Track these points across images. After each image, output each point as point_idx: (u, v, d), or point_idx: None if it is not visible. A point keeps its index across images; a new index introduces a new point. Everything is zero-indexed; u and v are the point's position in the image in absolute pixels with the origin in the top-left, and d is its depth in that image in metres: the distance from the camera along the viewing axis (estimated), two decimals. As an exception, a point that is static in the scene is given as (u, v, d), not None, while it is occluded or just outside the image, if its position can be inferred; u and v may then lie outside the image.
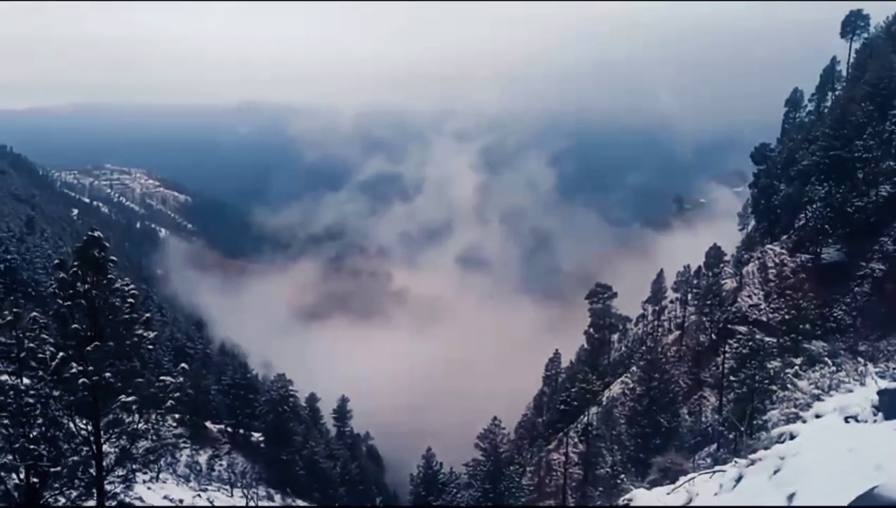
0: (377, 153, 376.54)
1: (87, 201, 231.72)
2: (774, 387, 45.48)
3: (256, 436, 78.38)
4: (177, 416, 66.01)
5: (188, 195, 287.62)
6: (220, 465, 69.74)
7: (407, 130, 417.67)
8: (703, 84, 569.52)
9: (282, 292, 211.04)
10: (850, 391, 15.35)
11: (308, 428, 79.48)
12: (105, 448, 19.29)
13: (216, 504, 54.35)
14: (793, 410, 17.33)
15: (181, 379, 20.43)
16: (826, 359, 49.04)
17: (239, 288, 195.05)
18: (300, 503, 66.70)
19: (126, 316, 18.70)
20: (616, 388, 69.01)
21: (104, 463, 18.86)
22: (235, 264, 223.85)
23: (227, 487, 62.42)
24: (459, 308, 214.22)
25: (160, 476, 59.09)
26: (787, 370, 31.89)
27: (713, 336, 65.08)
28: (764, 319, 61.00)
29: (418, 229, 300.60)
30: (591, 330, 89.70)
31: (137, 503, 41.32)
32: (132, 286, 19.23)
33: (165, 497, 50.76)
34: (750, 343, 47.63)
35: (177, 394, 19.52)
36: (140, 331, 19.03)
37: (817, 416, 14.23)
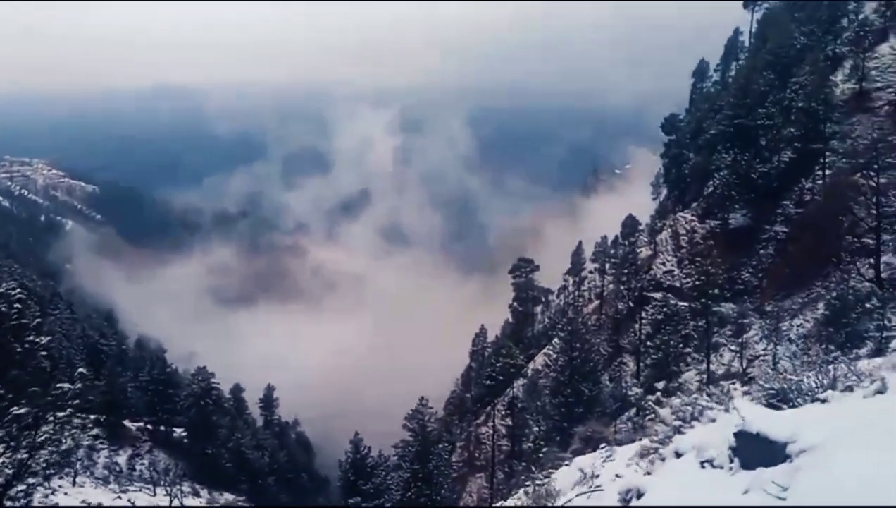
0: (294, 130, 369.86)
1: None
2: (687, 349, 47.39)
3: (179, 432, 76.14)
4: (91, 417, 63.40)
5: (96, 185, 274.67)
6: (142, 464, 67.51)
7: (326, 105, 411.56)
8: (621, 55, 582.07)
9: (199, 279, 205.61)
10: (713, 420, 14.45)
11: (233, 420, 77.74)
12: (2, 461, 18.07)
13: (137, 504, 52.55)
14: (652, 446, 16.94)
15: (79, 385, 19.15)
16: (736, 320, 51.30)
17: (153, 278, 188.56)
18: (227, 496, 65.32)
19: (14, 322, 17.44)
20: (540, 360, 70.17)
21: (2, 479, 17.65)
22: (149, 253, 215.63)
23: (150, 486, 60.39)
24: (384, 285, 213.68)
25: (77, 479, 56.76)
26: (649, 397, 32.84)
27: (630, 304, 66.89)
28: (678, 285, 62.98)
29: (337, 203, 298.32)
30: (515, 303, 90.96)
31: (52, 511, 39.56)
32: (18, 290, 17.94)
33: (83, 501, 48.74)
34: (664, 309, 49.21)
35: (76, 401, 18.37)
36: (31, 337, 17.81)
37: (677, 454, 13.59)
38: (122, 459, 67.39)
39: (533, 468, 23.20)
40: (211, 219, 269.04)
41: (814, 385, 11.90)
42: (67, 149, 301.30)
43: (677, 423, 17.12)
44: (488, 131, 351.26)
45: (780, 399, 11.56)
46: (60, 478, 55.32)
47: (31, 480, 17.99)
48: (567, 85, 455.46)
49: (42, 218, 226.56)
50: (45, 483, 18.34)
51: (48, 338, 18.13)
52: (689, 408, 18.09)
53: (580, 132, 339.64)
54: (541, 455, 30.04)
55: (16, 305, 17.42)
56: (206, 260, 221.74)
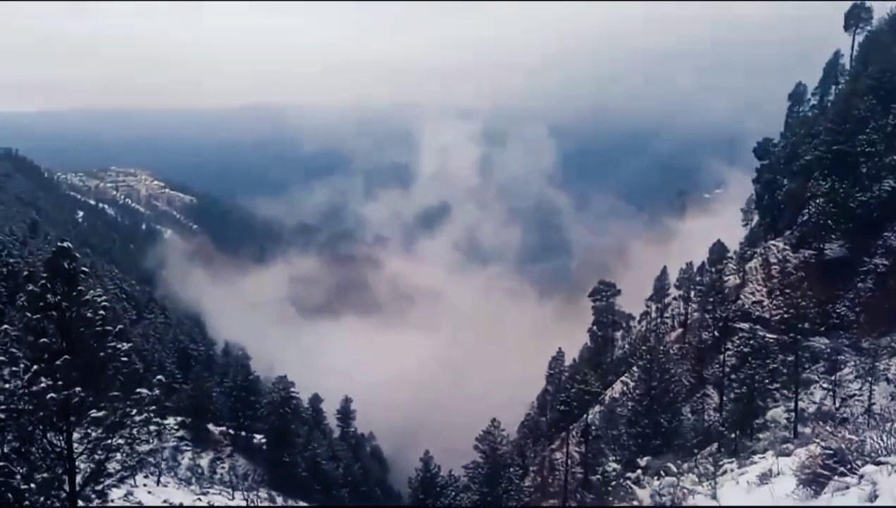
0: (378, 145, 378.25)
1: (92, 203, 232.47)
2: (775, 385, 45.09)
3: (258, 438, 78.13)
4: (177, 420, 65.88)
5: (193, 196, 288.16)
6: (222, 468, 69.53)
7: (410, 123, 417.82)
8: (712, 79, 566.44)
9: (283, 287, 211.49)
10: None
11: (310, 429, 79.25)
12: (82, 462, 18.92)
13: (217, 506, 54.15)
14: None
15: (157, 391, 19.93)
16: (829, 356, 48.53)
17: (241, 286, 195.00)
18: (302, 504, 66.44)
19: (98, 328, 18.29)
20: (618, 387, 68.47)
21: (77, 479, 18.48)
22: (239, 261, 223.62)
23: (229, 490, 62.18)
24: (462, 301, 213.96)
25: (161, 479, 59.08)
26: (629, 475, 30.95)
27: (716, 334, 64.41)
28: (766, 316, 60.35)
29: (418, 218, 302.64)
30: (595, 328, 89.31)
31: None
32: (104, 298, 18.84)
33: (166, 501, 50.60)
34: (751, 342, 47.11)
35: (153, 406, 19.07)
36: (113, 343, 18.63)
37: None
38: (204, 462, 69.56)
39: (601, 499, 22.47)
40: (296, 230, 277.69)
41: (879, 446, 10.87)
42: (168, 163, 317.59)
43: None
44: (573, 149, 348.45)
45: (837, 461, 10.64)
46: (146, 477, 57.89)
47: (107, 481, 18.68)
48: (660, 106, 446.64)
49: (143, 226, 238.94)
50: (120, 485, 18.89)
51: (130, 344, 18.88)
52: (671, 490, 16.84)
53: (670, 153, 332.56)
54: (611, 487, 29.15)
55: (101, 311, 18.27)
56: (290, 270, 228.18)
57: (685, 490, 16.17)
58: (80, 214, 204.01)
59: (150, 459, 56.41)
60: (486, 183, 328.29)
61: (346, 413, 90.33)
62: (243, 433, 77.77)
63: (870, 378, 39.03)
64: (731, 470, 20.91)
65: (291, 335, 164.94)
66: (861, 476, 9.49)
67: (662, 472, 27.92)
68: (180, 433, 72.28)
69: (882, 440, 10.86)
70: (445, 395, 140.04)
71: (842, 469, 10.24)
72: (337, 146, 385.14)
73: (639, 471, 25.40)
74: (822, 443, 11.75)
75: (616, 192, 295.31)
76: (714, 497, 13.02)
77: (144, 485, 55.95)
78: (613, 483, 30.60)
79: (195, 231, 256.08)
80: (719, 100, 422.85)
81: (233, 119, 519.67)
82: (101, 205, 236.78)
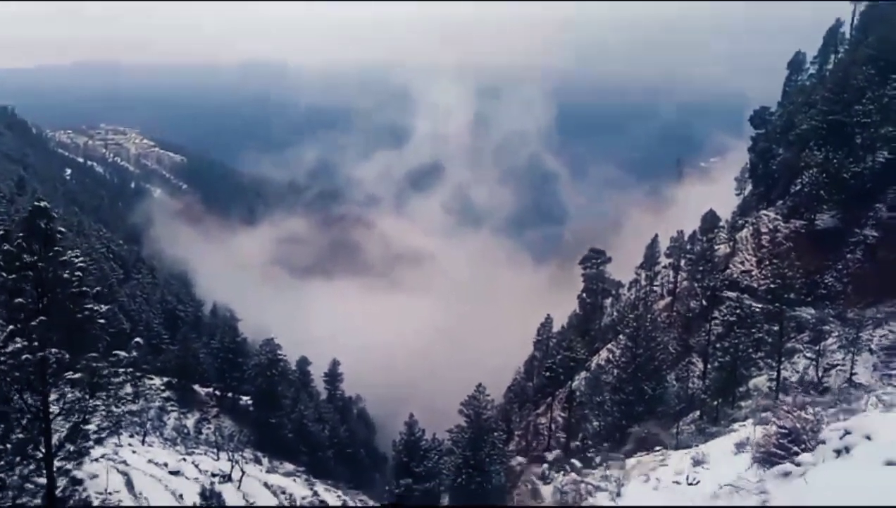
0: (375, 105, 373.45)
1: (80, 161, 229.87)
2: (759, 354, 45.34)
3: (245, 400, 78.33)
4: (164, 380, 65.78)
5: (184, 155, 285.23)
6: (208, 428, 69.67)
7: (408, 83, 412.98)
8: (715, 45, 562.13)
9: (275, 249, 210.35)
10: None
11: (297, 391, 79.40)
12: (59, 423, 18.74)
13: (201, 467, 54.41)
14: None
15: (135, 353, 19.72)
16: (815, 326, 48.74)
17: (232, 247, 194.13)
18: (287, 465, 66.86)
19: (75, 289, 17.96)
20: (604, 354, 68.82)
21: (54, 440, 18.31)
22: (230, 222, 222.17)
23: (215, 450, 62.41)
24: (455, 264, 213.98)
25: (146, 439, 59.16)
26: (536, 471, 30.57)
27: (704, 303, 64.56)
28: (755, 285, 60.47)
29: (414, 179, 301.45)
30: (584, 295, 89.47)
31: (121, 466, 41.33)
32: (81, 258, 18.46)
33: (150, 462, 50.69)
34: (738, 311, 47.26)
35: (129, 369, 18.84)
36: (90, 305, 18.31)
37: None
38: (190, 422, 69.75)
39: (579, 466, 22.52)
40: (287, 189, 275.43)
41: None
42: (160, 120, 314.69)
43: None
44: (570, 114, 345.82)
45: (791, 440, 10.50)
46: (131, 436, 57.97)
47: (83, 442, 18.52)
48: (661, 72, 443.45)
49: (132, 185, 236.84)
50: (97, 446, 18.74)
51: (107, 307, 18.53)
52: (576, 487, 16.64)
53: (670, 120, 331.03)
54: (589, 453, 29.28)
55: (77, 272, 17.91)
56: (280, 230, 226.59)
57: (590, 488, 15.94)
58: (69, 171, 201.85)
59: (135, 419, 56.86)
60: (482, 145, 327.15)
61: (333, 376, 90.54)
62: (230, 395, 77.94)
63: (852, 349, 39.22)
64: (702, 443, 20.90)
65: (281, 296, 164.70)
66: (798, 464, 9.35)
67: (567, 468, 27.83)
68: (166, 394, 72.49)
69: (838, 418, 10.75)
70: (435, 359, 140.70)
71: (795, 448, 10.12)
72: (333, 106, 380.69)
73: (545, 465, 25.43)
74: (778, 422, 11.64)
75: (613, 158, 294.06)
76: (617, 495, 12.76)
77: (129, 444, 55.92)
78: (592, 448, 30.78)
79: (185, 191, 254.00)
80: (721, 67, 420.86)
81: (230, 75, 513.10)
82: (89, 163, 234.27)
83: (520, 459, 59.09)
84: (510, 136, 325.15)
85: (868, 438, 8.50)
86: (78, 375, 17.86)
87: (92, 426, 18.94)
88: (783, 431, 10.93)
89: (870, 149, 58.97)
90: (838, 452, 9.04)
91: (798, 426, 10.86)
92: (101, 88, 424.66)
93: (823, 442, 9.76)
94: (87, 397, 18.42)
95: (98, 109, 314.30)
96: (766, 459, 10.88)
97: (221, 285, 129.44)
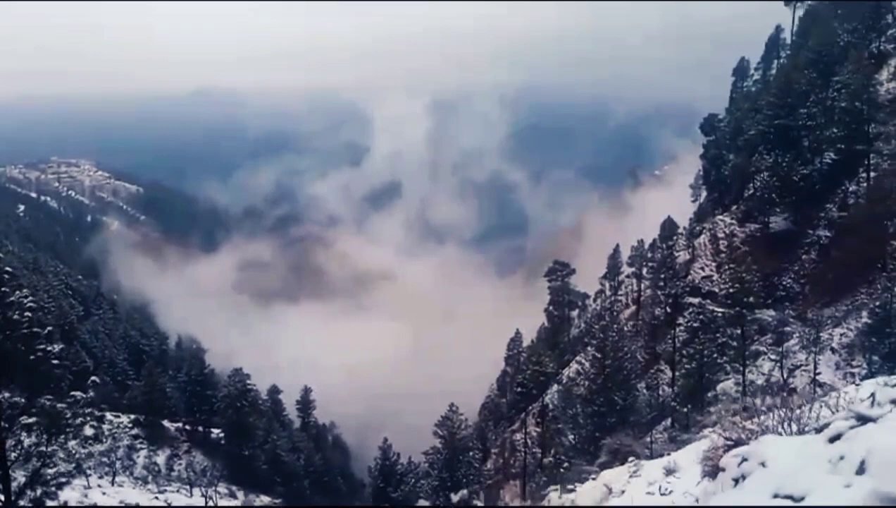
0: (332, 129, 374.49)
1: (34, 196, 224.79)
2: (725, 359, 45.99)
3: (216, 433, 76.91)
4: (132, 417, 64.26)
5: (140, 186, 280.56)
6: (180, 464, 68.32)
7: (362, 104, 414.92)
8: (663, 54, 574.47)
9: (237, 276, 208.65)
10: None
11: (269, 422, 78.20)
12: (18, 469, 18.15)
13: (174, 505, 53.17)
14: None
15: (92, 394, 19.24)
16: (776, 328, 49.65)
17: (194, 276, 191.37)
18: (263, 498, 65.74)
19: (25, 330, 17.48)
20: (574, 366, 69.15)
21: (14, 486, 17.72)
22: (190, 251, 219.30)
23: (188, 487, 61.13)
24: (420, 283, 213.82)
25: (116, 479, 57.70)
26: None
27: (667, 310, 65.25)
28: (716, 290, 61.31)
29: (372, 199, 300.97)
30: (551, 308, 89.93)
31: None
32: (31, 298, 17.99)
33: (122, 502, 49.44)
34: (700, 316, 47.94)
35: (87, 410, 18.36)
36: (43, 345, 17.84)
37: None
38: (160, 459, 68.35)
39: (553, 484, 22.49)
40: (246, 215, 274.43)
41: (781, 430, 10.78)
42: (113, 151, 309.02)
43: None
44: (526, 127, 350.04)
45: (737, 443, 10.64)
46: (101, 477, 56.51)
47: (43, 488, 17.96)
48: (608, 83, 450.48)
49: (88, 218, 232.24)
50: (58, 492, 18.18)
51: (60, 347, 18.08)
52: None
53: (620, 130, 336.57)
54: (563, 469, 29.30)
55: (26, 313, 17.46)
56: (242, 256, 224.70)
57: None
58: (22, 207, 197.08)
59: (104, 459, 55.37)
60: (440, 161, 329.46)
61: (305, 404, 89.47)
62: (200, 429, 76.52)
63: (814, 349, 39.96)
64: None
65: (245, 324, 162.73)
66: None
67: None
68: (134, 431, 70.88)
69: (782, 428, 10.82)
70: (406, 380, 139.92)
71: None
72: (288, 129, 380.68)
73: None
74: (724, 433, 11.77)
75: (570, 169, 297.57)
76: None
77: (99, 486, 54.60)
78: (565, 463, 30.82)
79: (142, 221, 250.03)
80: (671, 75, 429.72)
81: (181, 104, 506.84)
82: (42, 198, 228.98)
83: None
84: (467, 150, 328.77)
85: (763, 465, 8.59)
86: (32, 420, 17.35)
87: (52, 471, 18.37)
88: (729, 443, 11.04)
89: (817, 151, 60.59)
90: (736, 480, 9.14)
91: (742, 437, 10.99)
92: (49, 121, 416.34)
93: (723, 469, 9.85)
94: (43, 442, 17.88)
95: (49, 142, 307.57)
96: (714, 472, 10.99)
97: (185, 315, 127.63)
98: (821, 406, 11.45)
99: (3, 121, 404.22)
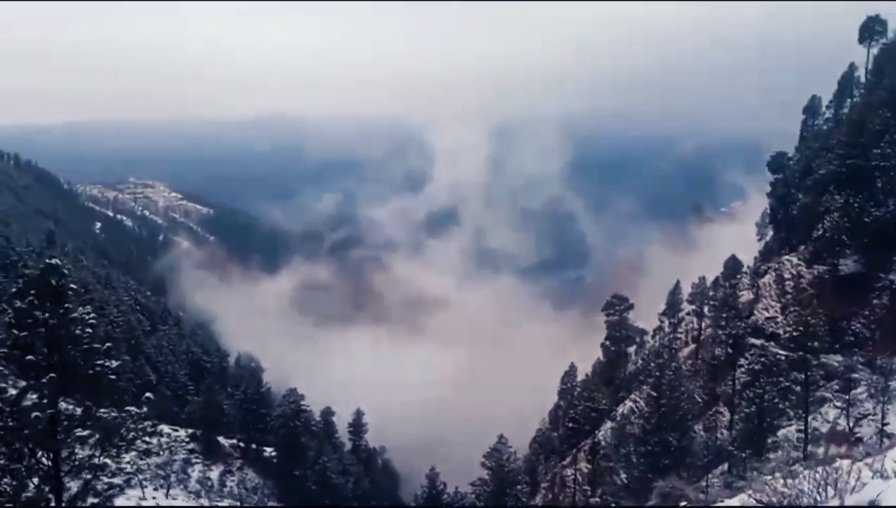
0: (394, 156, 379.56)
1: (110, 214, 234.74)
2: (786, 404, 44.25)
3: (269, 451, 78.01)
4: (189, 432, 65.99)
5: (210, 207, 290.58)
6: (232, 480, 69.50)
7: (421, 135, 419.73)
8: (729, 91, 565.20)
9: (299, 298, 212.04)
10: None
11: (321, 443, 78.85)
12: (70, 481, 18.80)
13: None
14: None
15: (145, 409, 19.78)
16: (843, 374, 47.61)
17: (257, 296, 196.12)
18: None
19: (86, 345, 18.20)
20: (630, 404, 67.68)
21: (65, 497, 18.34)
22: (255, 272, 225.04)
23: (238, 503, 62.10)
24: (477, 311, 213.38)
25: (171, 492, 59.09)
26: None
27: (728, 350, 63.45)
28: (780, 332, 59.35)
29: (429, 223, 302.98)
30: (608, 342, 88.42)
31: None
32: (92, 315, 18.76)
33: (171, 514, 50.58)
34: (763, 359, 46.37)
35: (141, 425, 18.91)
36: (102, 361, 18.52)
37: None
38: (214, 474, 69.57)
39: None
40: (310, 238, 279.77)
41: (815, 499, 10.13)
42: (185, 174, 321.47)
43: None
44: (590, 159, 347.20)
45: None
46: (156, 490, 57.98)
47: (93, 500, 18.52)
48: (676, 115, 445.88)
49: (160, 237, 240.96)
50: (109, 503, 18.72)
51: (118, 363, 18.74)
52: None
53: (686, 163, 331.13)
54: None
55: (88, 329, 18.17)
56: (304, 278, 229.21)
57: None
58: (98, 225, 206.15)
59: (160, 471, 56.85)
60: (499, 188, 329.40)
61: (357, 426, 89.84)
62: (254, 446, 77.70)
63: (883, 397, 38.10)
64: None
65: (303, 344, 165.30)
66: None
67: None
68: (191, 446, 72.46)
69: (818, 493, 10.20)
70: (459, 408, 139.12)
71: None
72: (352, 155, 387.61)
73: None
74: (756, 496, 11.26)
75: (633, 201, 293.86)
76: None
77: (154, 498, 56.05)
78: (613, 504, 30.02)
79: (212, 242, 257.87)
80: (740, 110, 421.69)
81: (249, 129, 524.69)
82: (118, 216, 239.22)
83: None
84: (527, 178, 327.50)
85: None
86: (87, 432, 17.97)
87: (105, 481, 18.96)
88: (760, 506, 10.57)
89: (890, 193, 58.40)
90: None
91: (774, 500, 10.49)
92: (126, 144, 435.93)
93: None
94: (96, 455, 18.49)
95: (126, 165, 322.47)
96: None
97: (245, 333, 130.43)
98: (860, 470, 10.85)
99: (81, 143, 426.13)
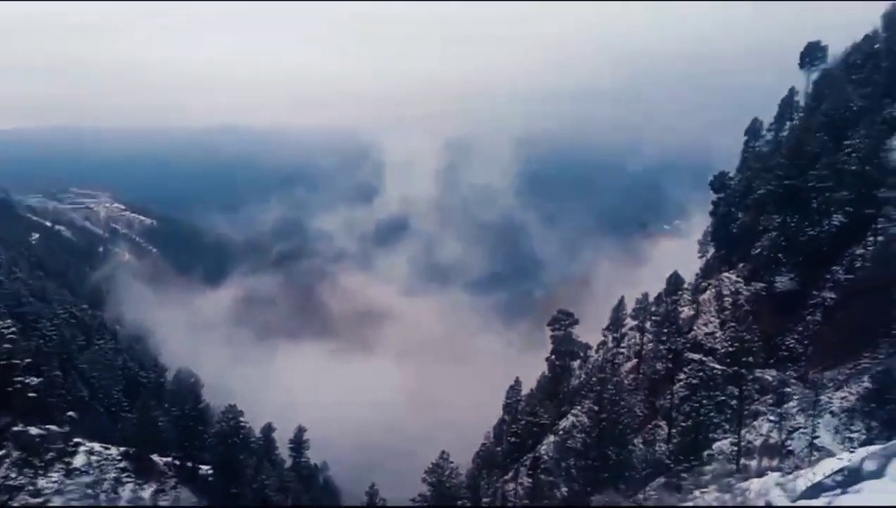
0: (344, 167, 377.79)
1: (48, 224, 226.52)
2: (722, 417, 45.15)
3: (205, 469, 75.80)
4: (121, 450, 63.64)
5: (154, 218, 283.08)
6: (165, 500, 67.34)
7: (373, 147, 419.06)
8: (674, 112, 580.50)
9: (242, 311, 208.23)
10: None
11: (260, 460, 76.95)
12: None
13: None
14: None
15: (67, 428, 18.94)
16: (777, 388, 48.86)
17: (199, 310, 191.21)
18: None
19: (3, 362, 17.32)
20: (572, 418, 68.15)
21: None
22: (197, 285, 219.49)
23: (172, 523, 60.14)
24: (423, 324, 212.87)
25: (100, 513, 56.85)
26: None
27: (669, 365, 64.58)
28: (718, 347, 60.65)
29: (378, 235, 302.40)
30: (553, 357, 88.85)
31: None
32: (12, 329, 17.88)
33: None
34: (700, 373, 47.25)
35: (59, 444, 18.05)
36: (21, 377, 17.64)
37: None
38: (146, 494, 67.31)
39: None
40: (255, 251, 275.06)
41: None
42: (129, 184, 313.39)
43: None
44: (541, 173, 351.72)
45: None
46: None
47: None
48: (625, 133, 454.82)
49: (100, 249, 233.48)
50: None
51: (39, 380, 17.88)
52: None
53: (634, 180, 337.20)
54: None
55: (5, 345, 17.32)
56: (248, 291, 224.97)
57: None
58: (35, 236, 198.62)
59: (88, 491, 54.72)
60: (450, 203, 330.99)
61: (298, 443, 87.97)
62: (189, 464, 75.37)
63: (813, 412, 39.20)
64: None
65: (246, 359, 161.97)
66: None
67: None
68: (122, 464, 69.95)
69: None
70: (404, 423, 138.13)
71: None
72: (302, 167, 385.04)
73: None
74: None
75: (582, 217, 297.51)
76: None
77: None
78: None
79: (153, 254, 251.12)
80: (689, 129, 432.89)
81: (200, 139, 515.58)
82: (57, 227, 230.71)
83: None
84: (479, 192, 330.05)
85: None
86: (3, 451, 17.06)
87: (21, 503, 17.99)
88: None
89: (825, 213, 60.42)
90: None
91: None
92: (72, 152, 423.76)
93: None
94: (15, 474, 17.56)
95: (70, 173, 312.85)
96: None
97: (185, 347, 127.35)
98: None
99: (26, 150, 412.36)
